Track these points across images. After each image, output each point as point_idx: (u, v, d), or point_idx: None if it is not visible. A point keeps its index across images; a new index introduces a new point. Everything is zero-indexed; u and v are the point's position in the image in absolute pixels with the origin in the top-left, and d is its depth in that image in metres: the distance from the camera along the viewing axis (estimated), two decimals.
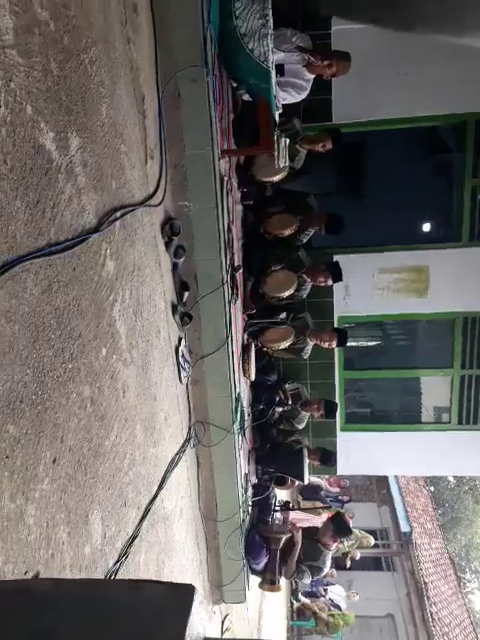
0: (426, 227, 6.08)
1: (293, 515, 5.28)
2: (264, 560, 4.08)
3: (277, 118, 3.72)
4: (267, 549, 4.10)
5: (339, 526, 4.42)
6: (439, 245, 5.64)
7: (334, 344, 4.78)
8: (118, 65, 2.31)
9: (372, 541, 9.25)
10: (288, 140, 4.07)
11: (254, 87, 3.58)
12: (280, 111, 3.79)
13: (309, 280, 4.76)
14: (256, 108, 3.74)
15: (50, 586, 0.85)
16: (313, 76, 4.22)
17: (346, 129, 4.87)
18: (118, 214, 2.26)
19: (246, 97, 4.08)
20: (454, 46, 4.93)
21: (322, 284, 4.77)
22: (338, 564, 9.56)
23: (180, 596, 0.75)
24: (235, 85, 3.96)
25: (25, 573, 1.56)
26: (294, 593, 8.41)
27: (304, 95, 4.27)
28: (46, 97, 1.69)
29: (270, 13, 3.31)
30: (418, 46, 4.95)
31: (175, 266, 3.08)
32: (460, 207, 5.49)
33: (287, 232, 4.61)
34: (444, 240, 5.69)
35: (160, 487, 2.79)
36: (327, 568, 4.41)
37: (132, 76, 2.50)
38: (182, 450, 3.25)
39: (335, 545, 4.45)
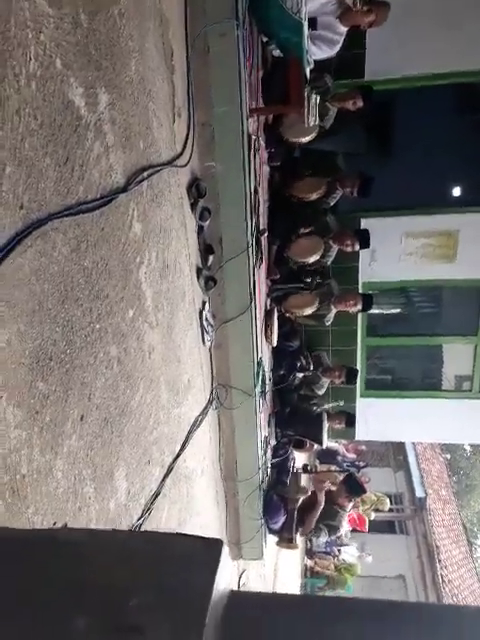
0: (457, 190, 5.86)
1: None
2: (282, 519, 4.19)
3: (308, 74, 3.59)
4: (285, 509, 4.20)
5: (352, 486, 4.52)
6: (470, 209, 5.46)
7: (359, 307, 4.73)
8: (147, 18, 2.23)
9: (388, 503, 9.40)
10: (318, 97, 3.93)
11: (285, 41, 3.45)
12: (311, 67, 3.64)
13: (335, 246, 4.68)
14: (287, 64, 3.61)
15: (78, 536, 0.87)
16: (346, 29, 4.03)
17: (378, 86, 4.67)
18: (145, 174, 2.22)
19: (277, 53, 3.94)
20: None
21: (348, 248, 4.68)
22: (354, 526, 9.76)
23: (208, 549, 0.77)
24: (265, 40, 3.82)
25: (54, 524, 1.62)
26: (309, 552, 8.66)
27: (336, 50, 4.09)
28: (76, 51, 1.64)
29: None
30: None
31: (200, 229, 3.05)
32: None
33: (314, 196, 4.51)
34: (475, 204, 5.50)
35: (183, 447, 2.85)
36: (343, 528, 4.51)
37: (161, 30, 2.41)
38: (204, 412, 3.30)
39: (351, 505, 4.55)
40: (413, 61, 4.89)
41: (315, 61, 3.91)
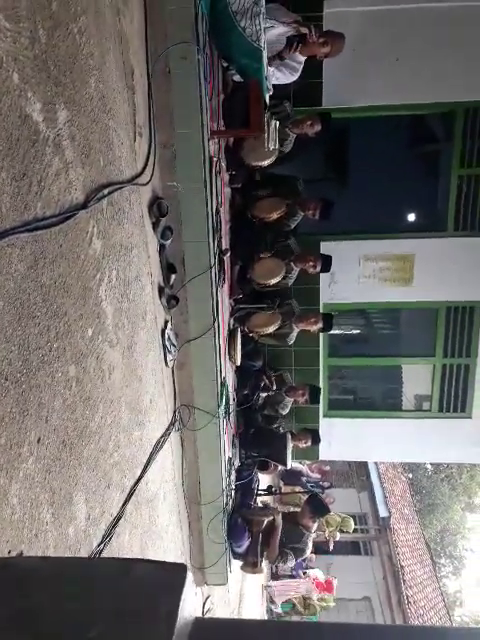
0: (412, 216, 6.09)
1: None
2: (246, 543, 4.11)
3: (268, 100, 3.68)
4: (249, 532, 4.13)
5: (316, 506, 4.49)
6: (425, 234, 5.67)
7: (320, 325, 4.79)
8: (107, 37, 2.25)
9: (352, 525, 9.41)
10: (278, 123, 4.03)
11: (245, 67, 3.52)
12: (271, 93, 3.74)
13: (297, 267, 4.75)
14: (247, 89, 3.68)
15: (34, 563, 0.83)
16: (305, 58, 4.16)
17: (335, 115, 4.83)
18: (106, 191, 2.21)
19: (237, 78, 4.02)
20: (445, 35, 4.93)
21: (311, 269, 4.75)
22: (321, 548, 9.70)
23: (171, 575, 0.74)
24: (226, 65, 3.90)
25: (8, 552, 1.54)
26: (274, 575, 8.54)
27: (296, 76, 4.21)
28: (33, 65, 1.63)
29: None
30: (410, 33, 4.93)
31: (162, 248, 3.04)
32: (446, 196, 5.51)
33: (275, 216, 4.58)
34: (430, 229, 5.72)
35: (144, 470, 2.78)
36: (309, 549, 4.47)
37: (121, 49, 2.43)
38: (167, 433, 3.23)
39: (315, 525, 4.52)
40: (368, 92, 5.11)
41: (275, 88, 4.02)
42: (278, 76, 4.09)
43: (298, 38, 3.84)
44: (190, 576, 0.74)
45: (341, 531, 9.14)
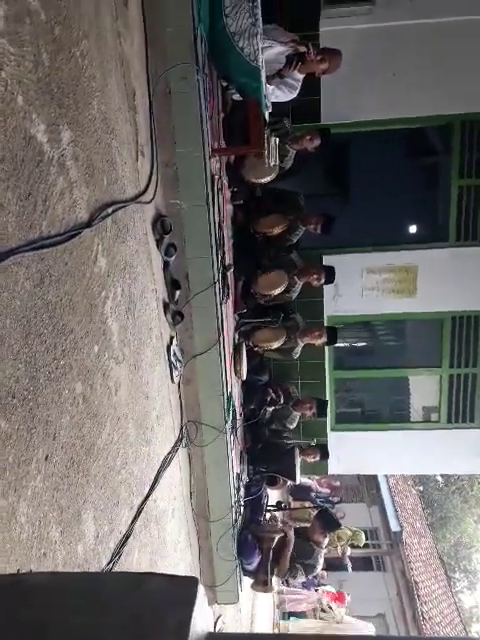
0: (413, 227, 6.13)
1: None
2: (256, 560, 4.06)
3: (267, 117, 3.73)
4: (259, 549, 4.08)
5: (326, 521, 4.44)
6: (426, 245, 5.69)
7: (324, 339, 4.79)
8: (109, 59, 2.29)
9: (363, 538, 9.28)
10: (278, 140, 4.08)
11: (244, 86, 3.58)
12: (270, 110, 3.79)
13: (301, 281, 4.77)
14: (246, 108, 3.74)
15: (43, 579, 0.82)
16: (303, 76, 4.23)
17: (334, 130, 4.89)
18: (110, 210, 2.23)
19: (236, 97, 4.08)
20: (440, 49, 5.01)
21: (315, 281, 4.77)
22: (333, 564, 9.55)
23: (183, 589, 0.73)
24: (225, 84, 3.97)
25: (17, 571, 1.53)
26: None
27: (295, 94, 4.28)
28: (37, 88, 1.66)
29: (259, 12, 3.31)
30: (405, 48, 5.01)
31: (166, 264, 3.06)
32: (447, 207, 5.54)
33: (276, 231, 4.61)
34: (431, 240, 5.74)
35: (153, 487, 2.76)
36: (320, 566, 4.41)
37: (123, 71, 2.48)
38: (174, 449, 3.22)
39: (326, 541, 4.46)
40: (365, 107, 5.19)
41: (274, 105, 4.08)
42: (277, 94, 4.15)
43: (297, 57, 3.91)
44: (201, 589, 0.73)
45: (352, 546, 9.02)
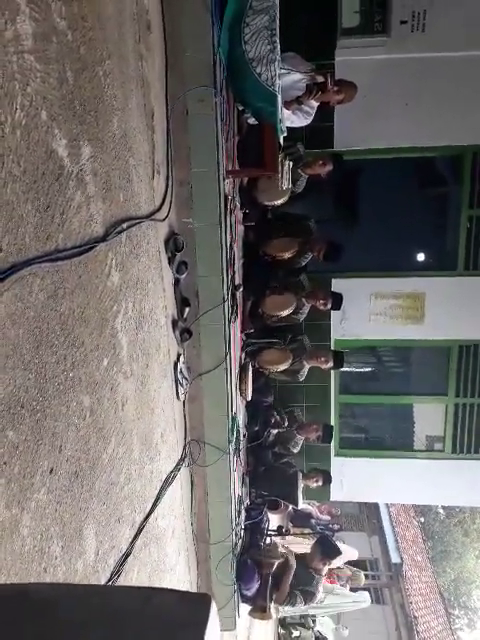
0: (422, 255, 6.14)
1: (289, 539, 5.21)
2: (255, 585, 3.97)
3: (282, 141, 3.79)
4: (259, 574, 4.00)
5: (326, 547, 4.35)
6: (435, 273, 5.70)
7: (330, 364, 4.77)
8: (130, 80, 2.35)
9: (363, 579, 9.07)
10: (291, 163, 4.14)
11: (260, 110, 3.65)
12: (285, 134, 3.85)
13: (308, 303, 4.77)
14: (261, 131, 3.80)
15: (51, 591, 0.80)
16: (317, 104, 4.31)
17: (346, 156, 4.96)
18: (125, 226, 2.26)
19: (252, 121, 4.16)
20: (453, 81, 5.10)
21: (322, 306, 4.77)
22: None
23: (195, 606, 0.70)
24: (241, 108, 4.04)
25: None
26: (282, 622, 8.20)
27: (309, 121, 4.36)
28: (61, 104, 1.70)
29: (277, 40, 3.39)
30: (418, 79, 5.10)
31: (177, 282, 3.08)
32: (456, 236, 5.56)
33: (287, 255, 4.64)
34: (440, 268, 5.75)
35: (154, 505, 2.73)
36: (320, 594, 4.30)
37: (143, 92, 2.53)
38: (177, 468, 3.19)
39: (326, 568, 4.36)
40: (378, 136, 5.26)
41: (288, 130, 4.15)
42: (293, 119, 4.23)
43: (317, 86, 3.99)
44: (214, 608, 0.70)
45: (352, 586, 8.82)
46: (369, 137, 5.26)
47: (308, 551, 4.51)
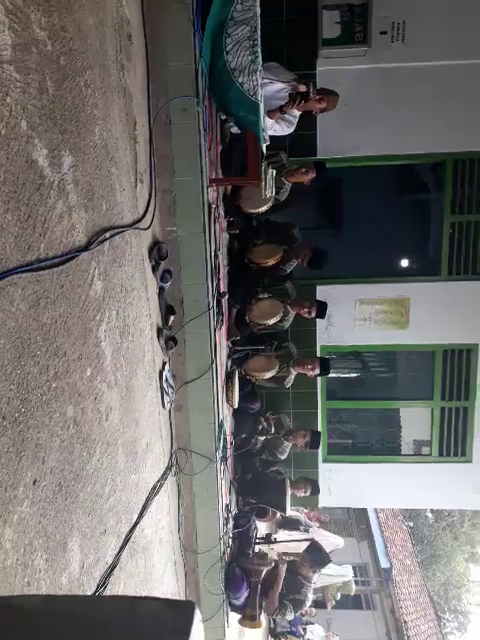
0: (406, 261, 6.22)
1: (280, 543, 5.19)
2: (244, 594, 3.95)
3: (264, 150, 3.82)
4: (247, 582, 3.98)
5: (316, 556, 4.33)
6: (419, 278, 5.77)
7: (317, 371, 4.79)
8: (112, 90, 2.35)
9: (354, 588, 9.09)
10: (274, 172, 4.17)
11: (243, 120, 3.67)
12: (268, 143, 3.88)
13: (293, 311, 4.79)
14: (244, 140, 3.83)
15: (37, 603, 0.79)
16: (300, 112, 4.35)
17: (329, 164, 5.00)
18: (107, 234, 2.26)
19: (234, 130, 4.18)
20: (433, 90, 5.18)
21: (306, 315, 4.80)
22: (321, 603, 9.31)
23: (180, 613, 0.71)
24: (224, 118, 4.06)
25: None
26: (272, 632, 8.15)
27: (292, 129, 4.40)
28: (41, 114, 1.70)
29: (259, 50, 3.42)
30: (399, 89, 5.18)
31: (161, 290, 3.08)
32: (439, 242, 5.63)
33: (271, 262, 4.65)
34: (424, 274, 5.82)
35: (140, 515, 2.71)
36: (309, 601, 4.29)
37: (125, 102, 2.54)
38: (163, 478, 3.17)
39: (316, 576, 4.35)
40: (360, 144, 5.33)
41: (271, 139, 4.19)
42: (276, 128, 4.27)
43: (300, 95, 4.03)
44: (198, 615, 0.71)
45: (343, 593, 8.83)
46: (351, 145, 5.32)
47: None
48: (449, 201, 5.48)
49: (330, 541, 8.30)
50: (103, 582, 2.13)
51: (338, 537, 8.73)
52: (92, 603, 0.84)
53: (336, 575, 8.44)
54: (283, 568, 4.11)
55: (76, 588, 1.93)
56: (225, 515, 3.98)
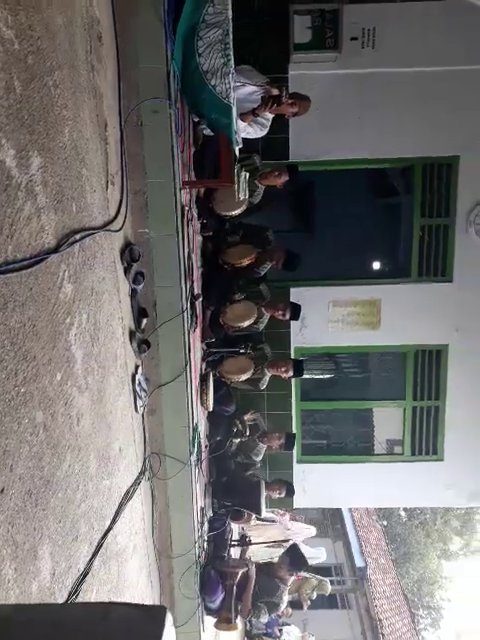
0: (377, 263, 6.32)
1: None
2: (220, 597, 3.94)
3: (237, 153, 3.82)
4: (223, 585, 3.96)
5: (294, 558, 4.34)
6: (390, 280, 5.86)
7: (291, 373, 4.81)
8: (82, 90, 2.33)
9: (329, 588, 9.15)
10: (248, 174, 4.18)
11: (215, 122, 3.67)
12: (240, 146, 3.89)
13: (268, 313, 4.81)
14: (217, 143, 3.83)
15: (8, 611, 0.78)
16: (273, 115, 4.38)
17: (302, 167, 5.04)
18: (78, 236, 2.22)
19: (207, 132, 4.18)
20: (403, 96, 5.28)
21: (280, 317, 4.83)
22: (294, 604, 9.33)
23: (152, 618, 0.71)
24: (197, 120, 4.06)
25: None
26: (248, 634, 8.13)
27: (265, 132, 4.43)
28: (8, 114, 1.67)
29: (231, 53, 3.43)
30: (371, 94, 5.26)
31: (134, 292, 3.05)
32: (409, 245, 5.73)
33: (245, 262, 4.67)
34: (395, 275, 5.92)
35: (113, 521, 2.67)
36: (284, 604, 4.29)
37: (95, 102, 2.51)
38: (137, 482, 3.14)
39: (292, 579, 4.36)
40: (331, 147, 5.39)
41: (244, 142, 4.20)
42: (249, 131, 4.29)
43: (272, 99, 4.06)
44: (170, 619, 0.71)
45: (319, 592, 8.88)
46: (323, 149, 5.38)
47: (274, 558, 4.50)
48: (419, 204, 5.59)
49: (304, 532, 8.54)
50: (75, 590, 2.09)
51: (311, 527, 8.98)
52: (64, 610, 0.82)
53: (311, 557, 8.58)
54: (253, 569, 4.10)
55: (47, 596, 1.89)
56: (200, 519, 3.96)
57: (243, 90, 4.11)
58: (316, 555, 8.69)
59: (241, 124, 4.10)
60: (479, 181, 5.42)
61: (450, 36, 5.06)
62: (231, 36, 3.34)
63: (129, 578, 3.01)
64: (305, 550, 7.88)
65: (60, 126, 2.07)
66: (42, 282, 1.91)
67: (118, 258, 2.85)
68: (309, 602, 9.08)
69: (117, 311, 2.83)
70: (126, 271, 2.93)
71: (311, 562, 8.72)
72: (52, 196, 1.99)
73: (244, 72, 4.14)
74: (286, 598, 4.39)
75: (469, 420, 5.92)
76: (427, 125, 5.30)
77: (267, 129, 4.45)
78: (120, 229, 2.83)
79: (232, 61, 3.44)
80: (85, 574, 2.21)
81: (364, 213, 6.10)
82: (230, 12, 3.18)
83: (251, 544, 4.91)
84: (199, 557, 3.82)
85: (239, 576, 4.03)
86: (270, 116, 4.40)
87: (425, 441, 6.07)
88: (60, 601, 1.99)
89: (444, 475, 6.09)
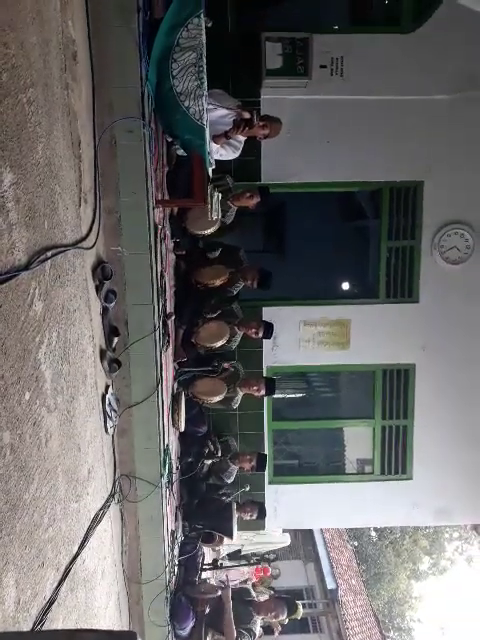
0: (347, 284, 6.43)
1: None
2: (190, 624, 3.83)
3: (210, 173, 3.86)
4: (194, 612, 3.86)
5: (289, 605, 4.36)
6: (359, 300, 5.96)
7: (263, 391, 4.81)
8: (56, 108, 2.32)
9: (302, 611, 9.08)
10: (220, 195, 4.22)
11: (189, 143, 3.71)
12: (213, 167, 3.94)
13: (241, 331, 4.82)
14: (190, 163, 3.86)
15: None
16: (245, 138, 4.45)
17: (273, 189, 5.12)
18: (49, 254, 2.20)
19: (181, 152, 4.21)
20: (371, 122, 5.46)
21: (253, 335, 4.84)
22: (266, 629, 9.17)
23: None
24: (170, 140, 4.09)
25: None
26: None
27: (237, 154, 4.49)
28: None
29: (205, 76, 3.49)
30: (339, 119, 5.41)
31: (105, 310, 3.01)
32: (377, 266, 5.86)
33: (218, 282, 4.68)
34: (363, 296, 6.03)
35: (82, 546, 2.59)
36: (259, 631, 4.22)
37: (69, 120, 2.51)
38: (106, 505, 3.06)
39: (271, 614, 4.32)
40: (302, 170, 5.50)
41: (217, 163, 4.25)
42: (222, 153, 4.35)
43: (244, 122, 4.13)
44: None
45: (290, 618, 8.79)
46: (294, 171, 5.48)
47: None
48: (386, 227, 5.72)
49: (280, 540, 8.77)
50: (40, 619, 2.01)
51: (285, 534, 9.10)
52: (32, 638, 0.80)
53: (277, 542, 8.66)
54: (228, 593, 4.02)
55: (10, 626, 1.81)
56: (171, 543, 3.87)
57: (215, 113, 4.17)
58: (282, 540, 8.77)
59: (214, 146, 4.15)
60: (442, 206, 5.60)
61: (415, 67, 5.27)
62: (205, 60, 3.41)
63: (97, 605, 2.91)
64: (272, 535, 8.00)
65: (33, 143, 2.06)
66: (12, 299, 1.87)
67: (90, 276, 2.82)
68: (280, 627, 8.94)
69: (88, 329, 2.79)
70: (98, 289, 2.90)
71: (277, 546, 8.89)
72: (24, 213, 1.97)
73: (216, 96, 4.21)
74: (260, 623, 4.31)
75: (436, 438, 6.00)
76: (393, 151, 5.48)
77: (239, 151, 4.52)
78: (92, 247, 2.81)
79: (205, 84, 3.50)
80: (51, 602, 2.13)
81: (334, 235, 6.22)
82: (204, 37, 3.25)
83: (222, 568, 4.83)
84: (169, 582, 3.73)
85: (211, 602, 3.93)
86: (242, 139, 4.47)
87: (394, 460, 6.12)
88: (26, 630, 1.91)
89: (413, 494, 6.13)
